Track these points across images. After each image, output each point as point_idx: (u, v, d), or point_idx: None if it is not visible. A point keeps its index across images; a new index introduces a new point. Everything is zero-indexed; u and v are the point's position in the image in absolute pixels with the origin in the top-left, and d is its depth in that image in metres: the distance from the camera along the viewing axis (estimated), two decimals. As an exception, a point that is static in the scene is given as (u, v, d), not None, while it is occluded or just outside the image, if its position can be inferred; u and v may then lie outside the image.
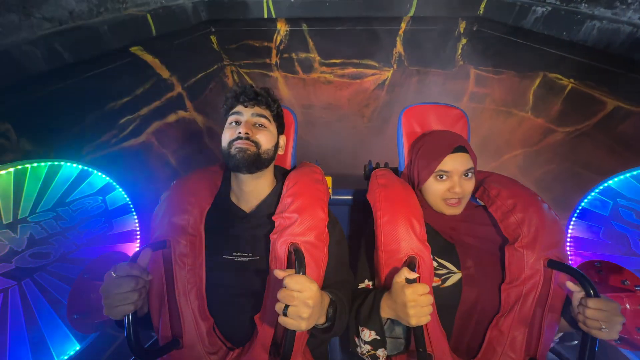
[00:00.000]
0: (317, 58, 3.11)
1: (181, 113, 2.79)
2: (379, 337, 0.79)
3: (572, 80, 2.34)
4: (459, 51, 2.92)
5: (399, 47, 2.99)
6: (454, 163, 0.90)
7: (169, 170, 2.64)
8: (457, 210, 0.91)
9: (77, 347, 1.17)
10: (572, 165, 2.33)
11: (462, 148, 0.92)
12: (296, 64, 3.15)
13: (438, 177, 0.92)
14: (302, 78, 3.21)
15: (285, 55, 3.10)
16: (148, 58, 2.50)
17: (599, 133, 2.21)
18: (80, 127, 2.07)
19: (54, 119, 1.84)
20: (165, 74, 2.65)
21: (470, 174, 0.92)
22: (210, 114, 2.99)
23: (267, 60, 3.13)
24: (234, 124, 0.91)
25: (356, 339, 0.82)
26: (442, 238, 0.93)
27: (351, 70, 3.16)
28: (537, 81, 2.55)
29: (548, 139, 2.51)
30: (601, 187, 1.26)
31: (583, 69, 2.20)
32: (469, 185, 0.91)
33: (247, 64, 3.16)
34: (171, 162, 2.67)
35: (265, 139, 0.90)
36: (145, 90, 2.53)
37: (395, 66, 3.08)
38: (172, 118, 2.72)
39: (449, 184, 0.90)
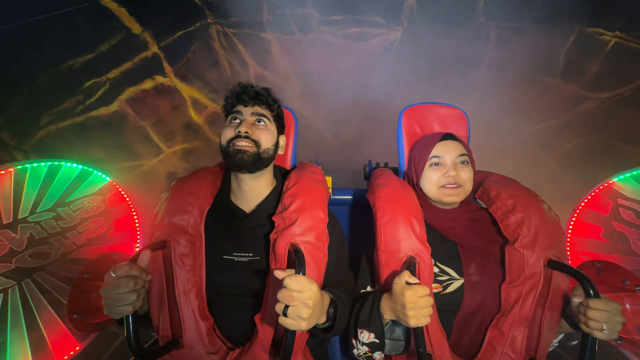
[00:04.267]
0: (316, 14, 2.64)
1: (159, 79, 2.44)
2: (377, 340, 0.79)
3: (617, 33, 2.04)
4: (481, 3, 2.51)
5: (411, 0, 2.57)
6: (445, 148, 0.94)
7: (150, 146, 2.36)
8: (456, 198, 0.91)
9: (77, 347, 1.17)
10: (607, 137, 2.09)
11: (451, 136, 0.97)
12: (291, 22, 2.68)
13: (433, 165, 0.94)
14: (298, 40, 2.74)
15: (279, 11, 2.65)
16: (112, 6, 2.09)
17: (644, 97, 1.89)
18: (31, 88, 1.76)
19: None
20: (136, 28, 2.26)
21: (465, 162, 0.93)
22: (195, 82, 2.61)
23: (258, 18, 2.69)
24: (233, 122, 0.91)
25: (353, 341, 0.82)
26: (443, 239, 0.93)
27: (354, 29, 2.70)
28: (571, 39, 2.23)
29: (579, 108, 2.25)
30: (601, 187, 1.26)
31: (636, 14, 1.87)
32: (465, 172, 0.92)
33: (234, 23, 2.68)
34: (152, 136, 2.37)
35: (265, 138, 0.90)
36: (112, 47, 2.15)
37: (405, 24, 2.64)
38: (148, 84, 2.38)
39: (443, 170, 0.92)
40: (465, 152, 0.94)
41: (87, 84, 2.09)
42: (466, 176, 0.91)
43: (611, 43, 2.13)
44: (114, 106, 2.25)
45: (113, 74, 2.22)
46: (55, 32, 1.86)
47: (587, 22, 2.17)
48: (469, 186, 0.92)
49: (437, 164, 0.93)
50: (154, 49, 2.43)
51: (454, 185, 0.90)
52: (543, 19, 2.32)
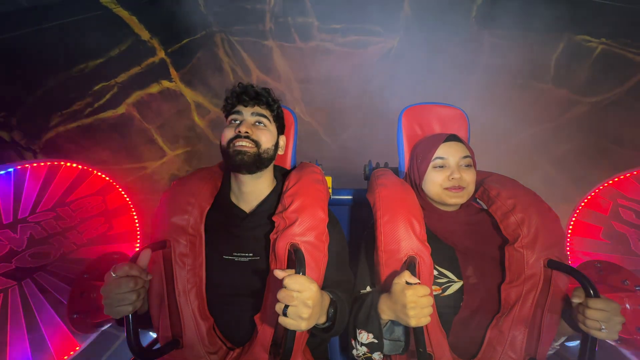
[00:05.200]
0: (316, 23, 2.75)
1: (165, 83, 2.54)
2: (376, 340, 0.79)
3: (603, 39, 2.15)
4: (474, 13, 2.60)
5: (407, 10, 2.66)
6: (449, 149, 0.93)
7: (154, 149, 2.43)
8: (459, 200, 0.91)
9: (77, 347, 1.17)
10: (599, 140, 2.16)
11: (455, 137, 0.96)
12: (292, 30, 2.79)
13: (437, 167, 0.93)
14: (299, 47, 2.84)
15: (281, 19, 2.76)
16: (124, 14, 2.23)
17: (633, 100, 2.03)
18: (43, 90, 1.85)
19: (7, 74, 1.59)
20: (144, 35, 2.39)
21: (468, 164, 0.93)
22: (199, 87, 2.72)
23: (260, 26, 2.78)
24: (234, 123, 0.91)
25: (353, 342, 0.82)
26: (441, 243, 0.93)
27: (353, 37, 2.80)
28: (561, 46, 2.34)
29: (571, 112, 2.33)
30: (601, 187, 1.26)
31: (619, 22, 1.97)
32: (468, 174, 0.91)
33: (238, 31, 2.78)
34: (157, 139, 2.45)
35: (265, 138, 0.90)
36: (122, 53, 2.28)
37: (402, 32, 2.74)
38: (155, 88, 2.49)
39: (448, 172, 0.91)
40: (468, 154, 0.94)
41: (97, 87, 2.17)
42: (469, 178, 0.91)
43: (598, 50, 2.22)
44: (121, 109, 2.32)
45: (121, 78, 2.30)
46: (69, 37, 1.95)
47: (575, 30, 2.26)
48: (471, 188, 0.92)
49: (441, 166, 0.93)
50: (161, 54, 2.52)
51: (458, 188, 0.90)
52: (533, 28, 2.39)
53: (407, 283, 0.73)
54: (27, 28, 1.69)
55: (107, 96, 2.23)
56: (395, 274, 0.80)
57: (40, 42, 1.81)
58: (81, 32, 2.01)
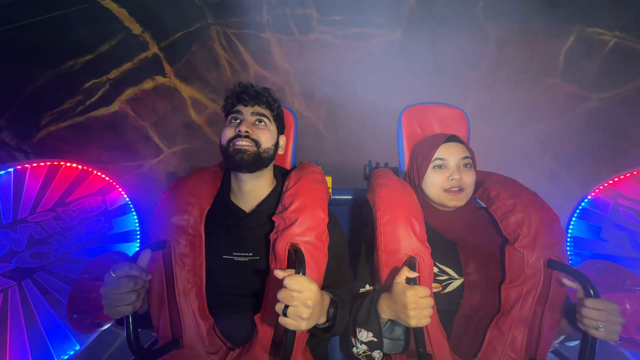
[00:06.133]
0: (315, 14, 2.67)
1: (159, 79, 2.45)
2: (376, 339, 0.79)
3: (617, 33, 2.07)
4: (480, 3, 2.52)
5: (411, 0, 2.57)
6: (449, 150, 0.93)
7: (150, 147, 2.39)
8: (459, 202, 0.91)
9: (77, 347, 1.17)
10: (608, 137, 2.11)
11: (456, 138, 0.96)
12: (291, 22, 2.70)
13: (436, 167, 0.93)
14: (298, 40, 2.77)
15: (279, 11, 2.68)
16: (113, 7, 2.14)
17: (646, 97, 1.91)
18: (32, 88, 1.79)
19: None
20: (136, 29, 2.29)
21: (468, 165, 0.93)
22: (195, 82, 2.64)
23: (257, 18, 2.70)
24: (234, 122, 0.91)
25: (352, 339, 0.82)
26: (442, 238, 0.93)
27: (354, 30, 2.73)
28: (571, 39, 2.25)
29: (579, 108, 2.27)
30: (601, 187, 1.26)
31: (637, 14, 1.91)
32: (468, 175, 0.91)
33: (234, 23, 2.69)
34: (153, 136, 2.39)
35: (266, 138, 0.90)
36: (112, 48, 2.19)
37: (405, 24, 2.67)
38: (148, 84, 2.40)
39: (448, 173, 0.91)
40: (468, 154, 0.94)
41: (88, 84, 2.12)
42: (469, 180, 0.91)
43: (611, 43, 2.15)
44: (114, 106, 2.27)
45: (113, 74, 2.24)
46: (56, 33, 1.89)
47: (587, 23, 2.20)
48: (471, 190, 0.92)
49: (440, 167, 0.93)
50: (153, 49, 2.44)
51: (458, 189, 0.90)
52: (543, 19, 2.34)
53: (408, 278, 0.73)
54: (11, 24, 1.63)
55: (99, 93, 2.19)
56: (395, 273, 0.81)
57: (27, 38, 1.77)
58: (69, 27, 1.95)
